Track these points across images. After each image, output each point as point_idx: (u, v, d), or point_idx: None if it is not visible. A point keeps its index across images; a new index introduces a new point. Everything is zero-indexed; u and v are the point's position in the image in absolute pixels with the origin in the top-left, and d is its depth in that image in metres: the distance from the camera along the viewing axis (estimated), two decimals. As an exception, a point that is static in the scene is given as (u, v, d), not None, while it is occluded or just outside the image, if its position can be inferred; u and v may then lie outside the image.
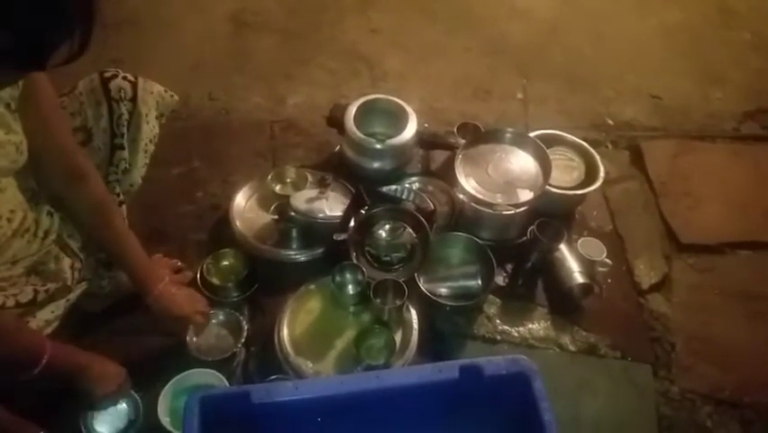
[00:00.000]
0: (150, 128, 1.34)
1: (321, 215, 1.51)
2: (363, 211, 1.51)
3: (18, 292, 1.11)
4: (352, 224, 1.50)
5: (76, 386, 1.16)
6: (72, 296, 1.26)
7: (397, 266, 1.49)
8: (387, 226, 1.52)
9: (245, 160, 1.79)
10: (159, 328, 1.36)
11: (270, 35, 2.26)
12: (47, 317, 1.19)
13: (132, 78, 1.30)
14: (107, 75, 1.26)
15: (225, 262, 1.51)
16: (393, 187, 1.65)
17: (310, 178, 1.65)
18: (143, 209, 1.48)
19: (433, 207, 1.60)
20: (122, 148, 1.30)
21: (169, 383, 1.25)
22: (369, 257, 1.49)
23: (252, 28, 2.28)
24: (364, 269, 1.44)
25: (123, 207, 1.34)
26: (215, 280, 1.46)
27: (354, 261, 1.45)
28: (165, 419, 1.21)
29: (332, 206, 1.54)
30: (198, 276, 1.48)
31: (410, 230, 1.50)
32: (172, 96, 1.40)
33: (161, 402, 1.23)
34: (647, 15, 2.51)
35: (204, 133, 1.87)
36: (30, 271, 1.16)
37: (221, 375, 1.28)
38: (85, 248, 1.29)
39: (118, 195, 1.33)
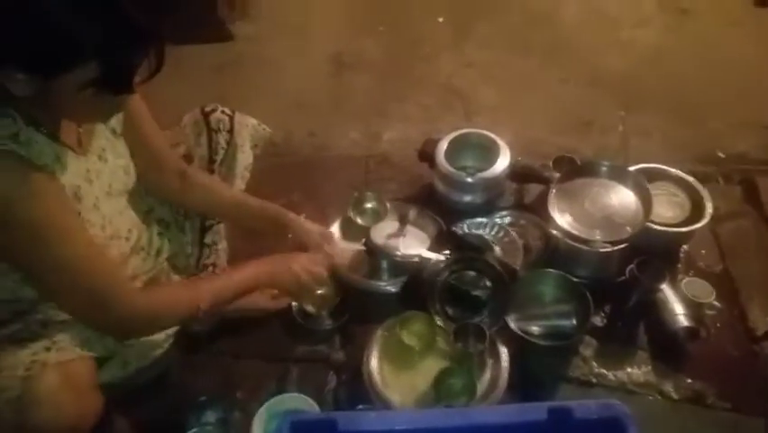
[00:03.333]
0: (245, 157, 1.48)
1: (398, 252, 1.52)
2: (444, 255, 1.49)
3: None
4: (433, 259, 1.49)
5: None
6: None
7: (481, 311, 1.45)
8: (465, 273, 1.48)
9: (341, 192, 1.85)
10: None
11: (368, 74, 2.36)
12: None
13: (229, 112, 1.45)
14: (208, 109, 1.43)
15: (320, 291, 1.57)
16: (480, 221, 1.63)
17: (389, 205, 1.67)
18: (247, 237, 1.57)
19: (515, 267, 1.52)
20: (213, 173, 1.44)
21: (264, 405, 1.31)
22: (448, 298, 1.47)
23: (351, 68, 2.39)
24: (448, 310, 1.44)
25: (221, 226, 1.48)
26: (310, 309, 1.52)
27: (433, 301, 1.44)
28: (259, 439, 1.27)
29: (408, 243, 1.54)
30: (294, 303, 1.55)
31: (485, 280, 1.47)
32: (265, 128, 1.54)
33: (256, 423, 1.28)
34: (759, 40, 2.36)
35: (303, 167, 1.96)
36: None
37: (313, 401, 1.32)
38: (188, 267, 1.41)
39: None
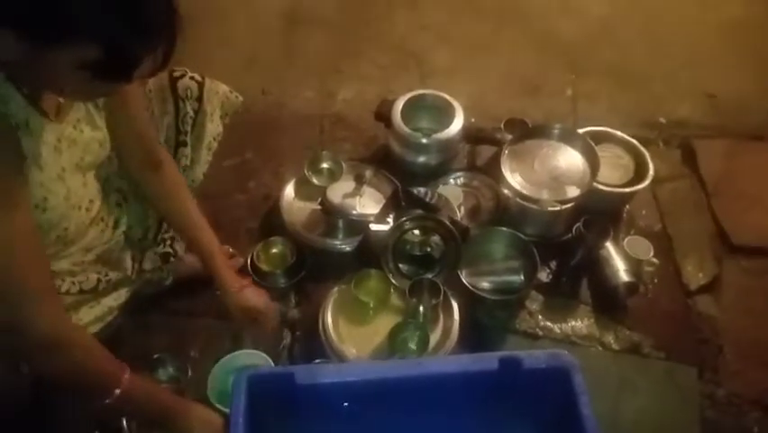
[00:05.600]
0: (214, 127, 1.38)
1: (354, 211, 1.55)
2: (394, 217, 1.50)
3: (84, 280, 1.18)
4: (389, 220, 1.51)
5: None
6: (134, 286, 1.32)
7: (434, 268, 1.49)
8: (417, 232, 1.50)
9: (295, 152, 1.84)
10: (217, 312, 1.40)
11: (321, 31, 2.31)
12: (110, 303, 1.26)
13: (199, 78, 1.33)
14: (176, 74, 1.30)
15: (275, 250, 1.57)
16: (423, 190, 1.61)
17: (344, 166, 1.66)
18: (199, 199, 1.51)
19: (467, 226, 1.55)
20: (185, 145, 1.34)
21: (219, 363, 1.31)
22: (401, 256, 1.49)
23: (304, 23, 2.33)
24: (400, 266, 1.46)
25: None
26: (265, 267, 1.52)
27: (386, 259, 1.46)
28: (213, 396, 1.27)
29: (365, 202, 1.57)
30: (249, 262, 1.54)
31: (438, 238, 1.49)
32: (237, 96, 1.43)
33: (210, 380, 1.28)
34: (705, 10, 2.44)
35: (257, 126, 1.92)
36: (98, 259, 1.22)
37: (267, 357, 1.34)
38: (145, 240, 1.35)
39: None
